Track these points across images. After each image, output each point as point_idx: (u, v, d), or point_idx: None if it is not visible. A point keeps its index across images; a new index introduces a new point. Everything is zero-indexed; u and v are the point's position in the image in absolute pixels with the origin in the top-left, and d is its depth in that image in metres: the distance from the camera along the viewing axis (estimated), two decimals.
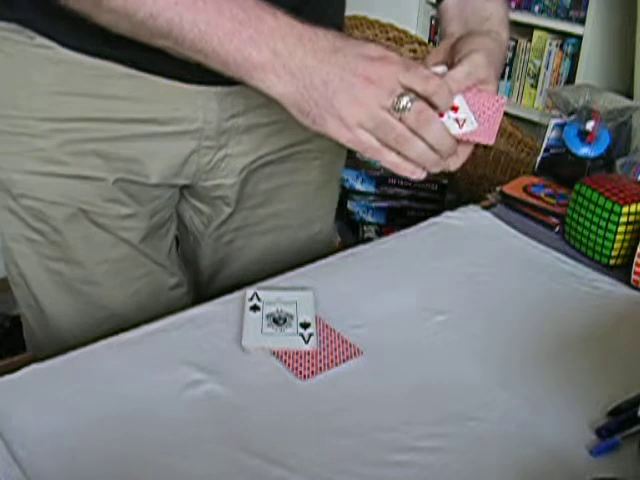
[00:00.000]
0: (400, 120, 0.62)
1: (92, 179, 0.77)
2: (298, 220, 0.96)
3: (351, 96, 0.60)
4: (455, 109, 0.67)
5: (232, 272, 0.96)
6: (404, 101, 0.61)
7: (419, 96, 0.62)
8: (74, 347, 0.69)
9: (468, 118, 0.67)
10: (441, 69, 0.69)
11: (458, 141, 0.67)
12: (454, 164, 0.69)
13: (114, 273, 0.83)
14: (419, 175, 0.65)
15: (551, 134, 1.10)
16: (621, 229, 0.86)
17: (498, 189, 1.04)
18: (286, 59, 0.60)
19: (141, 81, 0.74)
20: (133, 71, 0.73)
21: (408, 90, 0.62)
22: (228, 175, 0.86)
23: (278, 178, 0.91)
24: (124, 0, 0.59)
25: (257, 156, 0.86)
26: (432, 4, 2.75)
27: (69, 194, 0.77)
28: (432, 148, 0.64)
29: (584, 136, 1.06)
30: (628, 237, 0.87)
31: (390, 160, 0.64)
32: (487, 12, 0.75)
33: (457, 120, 0.67)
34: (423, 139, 0.63)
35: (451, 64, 0.69)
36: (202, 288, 0.99)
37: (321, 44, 0.61)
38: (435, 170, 0.66)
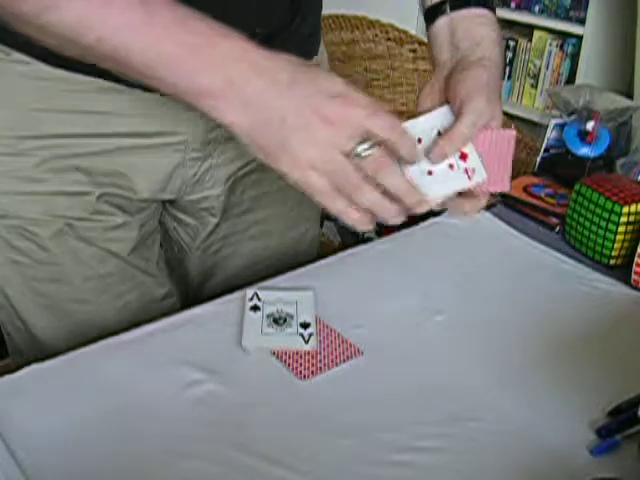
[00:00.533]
0: (357, 166, 0.59)
1: (76, 194, 0.76)
2: (285, 223, 0.95)
3: (307, 136, 0.57)
4: (464, 157, 0.65)
5: (221, 279, 0.95)
6: (361, 148, 0.58)
7: (380, 143, 0.59)
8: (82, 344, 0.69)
9: (477, 167, 0.65)
10: (444, 110, 0.67)
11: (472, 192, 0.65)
12: (474, 208, 0.66)
13: (103, 289, 0.82)
14: (366, 226, 0.61)
15: (551, 134, 1.10)
16: (621, 229, 0.86)
17: None
18: (240, 88, 0.57)
19: (123, 95, 0.72)
20: (114, 84, 0.71)
21: (369, 135, 0.58)
22: (214, 186, 0.84)
23: (263, 184, 0.89)
24: (69, 24, 0.56)
25: (242, 163, 0.85)
26: None
27: (53, 211, 0.76)
28: (392, 197, 0.61)
29: (584, 136, 1.06)
30: (628, 237, 0.87)
31: (337, 207, 0.60)
32: (478, 37, 0.71)
33: (467, 170, 0.65)
34: (380, 186, 0.60)
35: (446, 99, 0.67)
36: (190, 297, 0.98)
37: (279, 76, 0.58)
38: (396, 221, 0.62)
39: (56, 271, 0.79)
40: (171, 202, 0.86)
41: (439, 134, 0.65)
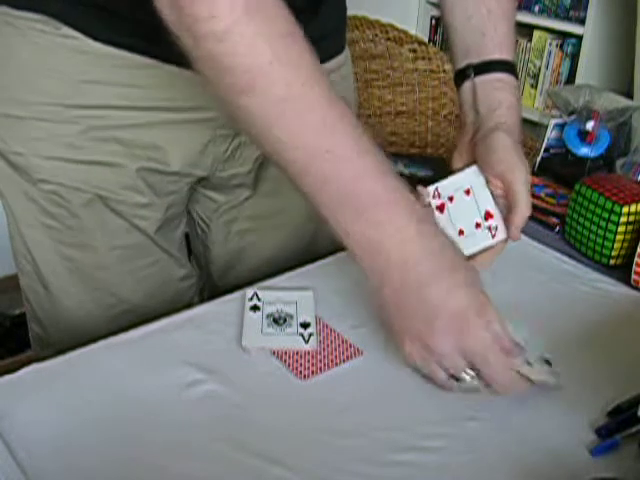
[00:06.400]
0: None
1: (113, 166, 0.79)
2: (304, 214, 0.96)
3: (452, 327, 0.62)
4: (489, 216, 0.70)
5: (244, 271, 0.97)
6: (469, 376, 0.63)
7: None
8: (80, 344, 0.69)
9: (500, 226, 0.71)
10: (474, 169, 0.73)
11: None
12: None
13: (125, 259, 0.84)
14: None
15: (551, 134, 1.10)
16: (621, 229, 0.86)
17: None
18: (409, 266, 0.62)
19: (160, 70, 0.75)
20: (153, 61, 0.75)
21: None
22: (244, 163, 0.88)
23: None
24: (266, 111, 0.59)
25: None
26: (432, 4, 2.75)
27: (89, 180, 0.79)
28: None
29: (584, 136, 1.06)
30: (628, 237, 0.87)
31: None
32: (495, 102, 0.76)
33: (490, 229, 0.70)
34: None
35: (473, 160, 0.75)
36: (214, 286, 1.00)
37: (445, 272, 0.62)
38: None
39: (84, 238, 0.82)
40: (203, 181, 0.89)
41: (467, 193, 0.73)
